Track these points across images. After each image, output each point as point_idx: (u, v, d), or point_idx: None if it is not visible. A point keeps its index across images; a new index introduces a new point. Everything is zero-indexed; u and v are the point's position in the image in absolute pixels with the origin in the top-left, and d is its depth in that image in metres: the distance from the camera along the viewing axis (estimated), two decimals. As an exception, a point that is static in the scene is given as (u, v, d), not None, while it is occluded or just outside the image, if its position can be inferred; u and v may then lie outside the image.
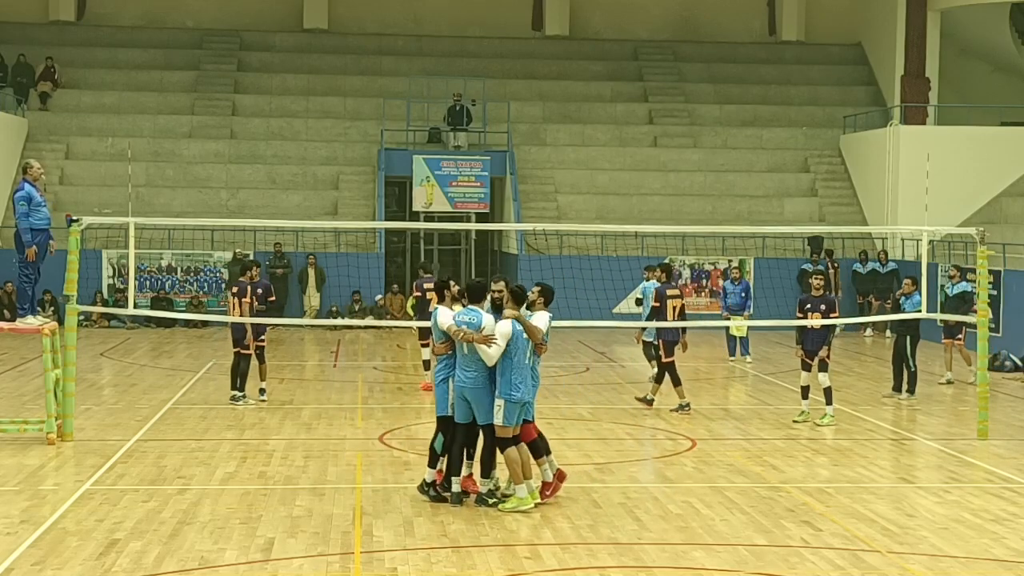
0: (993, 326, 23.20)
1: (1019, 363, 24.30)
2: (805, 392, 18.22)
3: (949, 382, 21.93)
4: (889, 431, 17.66)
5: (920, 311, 19.11)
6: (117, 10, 39.55)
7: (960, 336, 22.14)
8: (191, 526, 11.78)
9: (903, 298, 20.19)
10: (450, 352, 12.67)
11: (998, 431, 17.31)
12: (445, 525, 11.91)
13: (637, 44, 40.42)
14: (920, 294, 18.93)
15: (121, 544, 11.13)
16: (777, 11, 40.58)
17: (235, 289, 19.19)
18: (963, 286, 21.91)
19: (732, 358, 25.26)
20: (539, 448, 12.79)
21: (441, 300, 13.15)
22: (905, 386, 20.34)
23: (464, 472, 12.82)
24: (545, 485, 12.82)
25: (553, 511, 12.42)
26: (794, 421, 18.10)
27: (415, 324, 20.30)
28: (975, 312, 18.30)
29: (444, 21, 40.14)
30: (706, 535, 11.75)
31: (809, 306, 18.20)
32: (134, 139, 34.50)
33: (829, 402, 17.95)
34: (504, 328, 12.36)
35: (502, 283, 12.94)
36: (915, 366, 20.25)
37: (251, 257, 31.41)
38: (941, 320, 22.16)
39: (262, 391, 19.31)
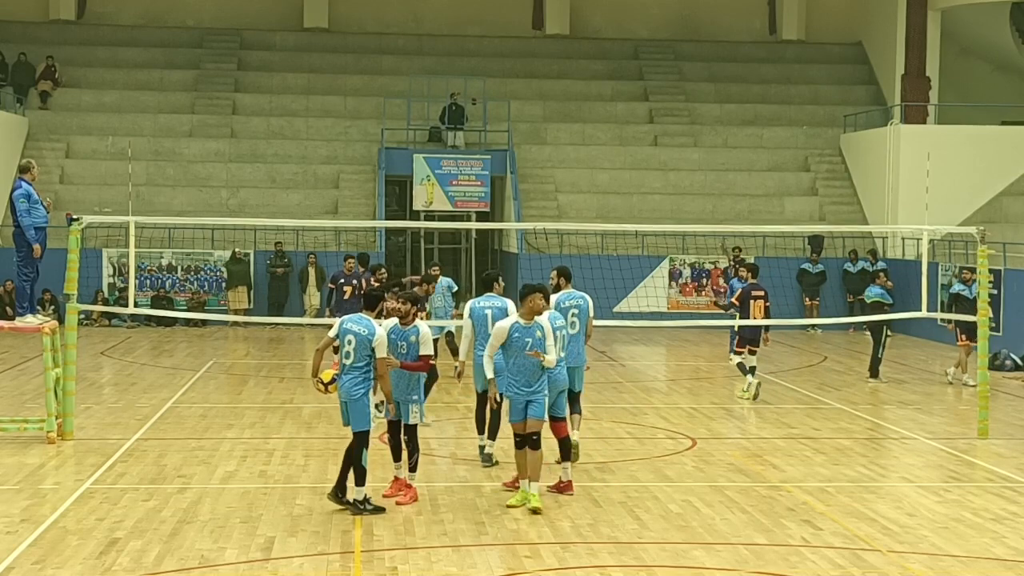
0: (993, 325, 23.16)
1: (1019, 362, 24.30)
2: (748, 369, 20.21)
3: (966, 384, 21.44)
4: (889, 430, 17.65)
5: (881, 302, 21.22)
6: (117, 9, 39.56)
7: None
8: (191, 525, 11.78)
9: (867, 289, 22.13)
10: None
11: (998, 430, 17.30)
12: (445, 524, 11.91)
13: (637, 43, 40.42)
14: (881, 288, 21.78)
15: (121, 543, 11.13)
16: (777, 10, 40.58)
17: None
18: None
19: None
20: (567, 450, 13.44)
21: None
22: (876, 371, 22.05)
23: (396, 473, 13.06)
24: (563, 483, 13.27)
25: (553, 510, 12.42)
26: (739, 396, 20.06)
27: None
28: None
29: (444, 20, 40.15)
30: (706, 534, 11.75)
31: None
32: (134, 138, 34.52)
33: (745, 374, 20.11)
34: (500, 327, 12.65)
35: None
36: (882, 355, 22.02)
37: (249, 255, 31.47)
38: (944, 320, 22.19)
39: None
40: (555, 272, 14.79)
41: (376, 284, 18.94)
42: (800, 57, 40.38)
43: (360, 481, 12.27)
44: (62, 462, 14.69)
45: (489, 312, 14.04)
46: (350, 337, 12.28)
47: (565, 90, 38.49)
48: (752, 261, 24.18)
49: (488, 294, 14.41)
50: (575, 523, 12.01)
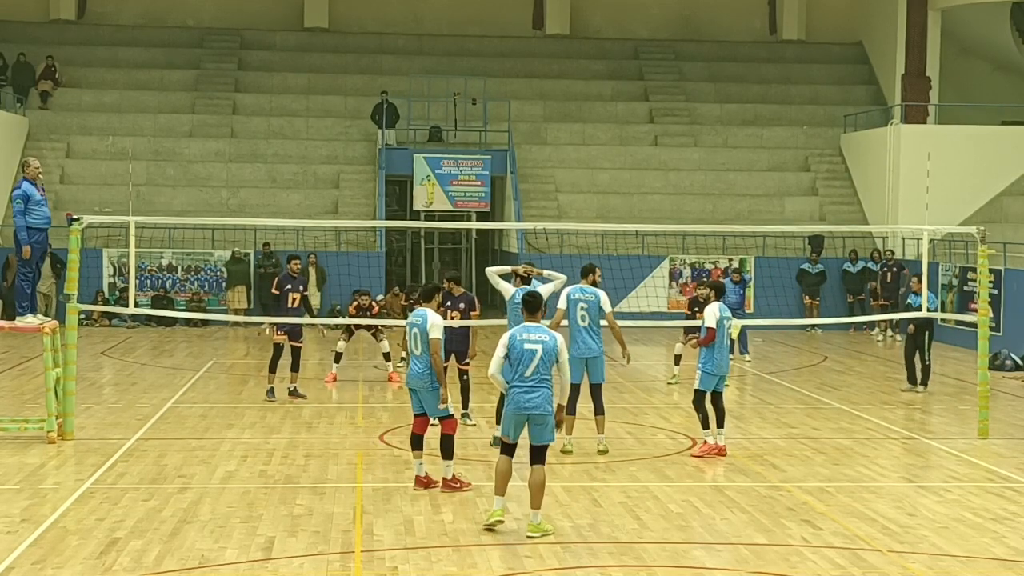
0: (994, 325, 23.19)
1: (1019, 362, 24.30)
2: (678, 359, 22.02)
3: None
4: (890, 430, 17.65)
5: (921, 309, 19.66)
6: (117, 9, 39.56)
7: None
8: (192, 525, 11.78)
9: (912, 296, 20.83)
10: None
11: (999, 430, 17.31)
12: (445, 524, 11.91)
13: (638, 43, 40.42)
14: (917, 294, 19.97)
15: (122, 543, 11.13)
16: (778, 10, 40.58)
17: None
18: None
19: (730, 356, 25.27)
20: None
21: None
22: (919, 378, 21.00)
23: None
24: None
25: (554, 510, 12.41)
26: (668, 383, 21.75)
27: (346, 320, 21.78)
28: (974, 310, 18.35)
29: (444, 20, 40.15)
30: (706, 534, 11.75)
31: (696, 309, 20.45)
32: (135, 138, 34.52)
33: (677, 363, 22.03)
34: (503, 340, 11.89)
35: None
36: (930, 360, 21.04)
37: (249, 255, 31.45)
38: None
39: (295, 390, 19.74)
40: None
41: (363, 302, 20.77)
42: (800, 57, 40.37)
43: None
44: (62, 462, 14.68)
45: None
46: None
47: (565, 90, 38.49)
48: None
49: (525, 287, 15.46)
50: (575, 523, 12.01)
